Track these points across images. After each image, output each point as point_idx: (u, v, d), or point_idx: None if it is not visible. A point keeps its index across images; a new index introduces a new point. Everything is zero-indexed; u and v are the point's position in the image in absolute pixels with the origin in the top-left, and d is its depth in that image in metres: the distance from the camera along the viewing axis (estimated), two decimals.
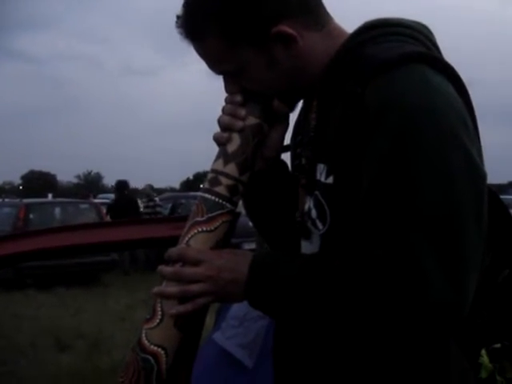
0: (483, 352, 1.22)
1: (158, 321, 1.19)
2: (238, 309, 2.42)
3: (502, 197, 1.27)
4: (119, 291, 10.36)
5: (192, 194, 17.08)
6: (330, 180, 1.16)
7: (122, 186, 13.73)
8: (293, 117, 1.33)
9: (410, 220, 1.03)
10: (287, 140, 1.35)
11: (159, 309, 1.20)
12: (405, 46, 1.14)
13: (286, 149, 1.35)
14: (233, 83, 1.24)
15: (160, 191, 37.77)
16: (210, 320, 2.38)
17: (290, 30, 1.16)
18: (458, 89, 1.12)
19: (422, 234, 1.02)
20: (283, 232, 1.34)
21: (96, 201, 20.85)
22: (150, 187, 15.13)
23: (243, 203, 1.38)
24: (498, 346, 1.22)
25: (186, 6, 1.20)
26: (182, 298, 1.17)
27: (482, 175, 1.08)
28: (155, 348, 1.19)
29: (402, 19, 1.23)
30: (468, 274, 1.03)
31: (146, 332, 1.20)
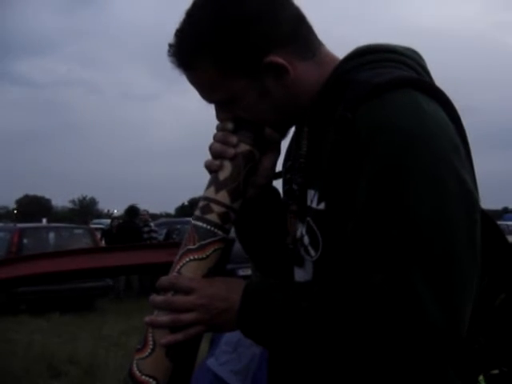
0: (481, 378, 1.21)
1: (149, 351, 1.18)
2: (232, 335, 2.41)
3: (497, 222, 1.27)
4: (113, 317, 10.30)
5: (187, 219, 17.06)
6: (322, 206, 1.15)
7: (133, 212, 13.66)
8: (284, 143, 1.33)
9: (402, 244, 1.02)
10: (279, 167, 1.34)
11: (150, 338, 1.18)
12: (395, 72, 1.15)
13: (277, 176, 1.34)
14: (224, 111, 1.24)
15: (155, 216, 37.71)
16: (204, 346, 2.37)
17: (281, 61, 1.16)
18: (450, 114, 1.12)
19: (415, 259, 1.01)
20: (276, 259, 1.33)
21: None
22: (146, 213, 15.09)
23: (235, 230, 1.37)
24: (496, 372, 1.21)
25: (177, 34, 1.20)
26: (174, 328, 1.16)
27: (474, 200, 1.08)
28: (146, 378, 1.17)
29: (392, 45, 1.24)
30: (462, 300, 1.03)
31: (137, 362, 1.18)
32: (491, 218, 1.22)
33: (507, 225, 23.18)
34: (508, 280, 1.23)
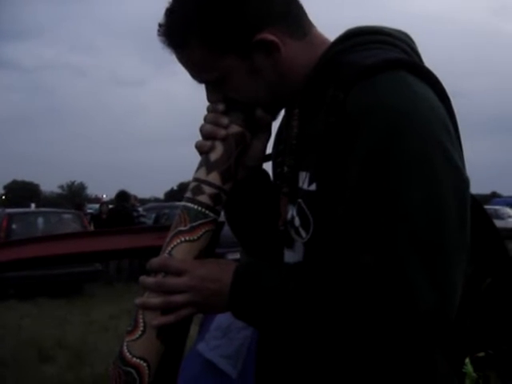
0: (467, 361, 1.22)
1: (140, 332, 1.17)
2: (222, 319, 2.41)
3: (485, 207, 1.28)
4: (103, 301, 10.30)
5: (176, 204, 17.03)
6: (313, 187, 1.15)
7: (124, 196, 13.62)
8: (275, 125, 1.32)
9: (393, 226, 1.03)
10: (269, 149, 1.34)
11: (141, 320, 1.17)
12: (386, 54, 1.15)
13: (268, 158, 1.34)
14: (215, 92, 1.24)
15: (144, 201, 37.59)
16: (193, 330, 2.38)
17: (272, 37, 1.16)
18: (440, 95, 1.13)
19: (405, 239, 1.02)
20: (265, 242, 1.33)
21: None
22: (134, 198, 15.03)
23: (224, 213, 1.37)
24: (482, 354, 1.22)
25: (168, 14, 1.20)
26: (165, 309, 1.16)
27: (464, 180, 1.09)
28: (137, 360, 1.16)
29: (383, 27, 1.24)
30: (452, 282, 1.03)
31: (128, 344, 1.18)
32: (479, 202, 1.23)
33: (495, 209, 23.41)
34: (495, 264, 1.24)
